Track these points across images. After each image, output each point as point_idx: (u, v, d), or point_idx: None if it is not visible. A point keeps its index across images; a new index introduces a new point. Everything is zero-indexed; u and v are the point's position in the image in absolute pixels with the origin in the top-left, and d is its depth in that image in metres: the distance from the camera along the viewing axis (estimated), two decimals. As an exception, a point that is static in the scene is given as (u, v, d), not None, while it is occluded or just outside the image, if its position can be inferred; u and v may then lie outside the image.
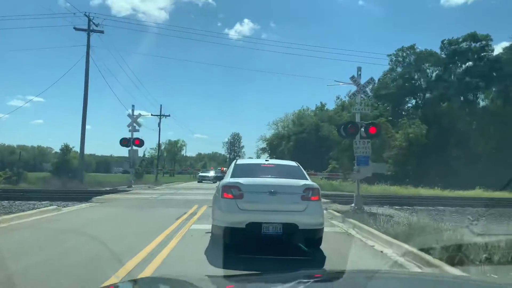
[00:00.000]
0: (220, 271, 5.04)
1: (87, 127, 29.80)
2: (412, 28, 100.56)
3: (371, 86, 15.04)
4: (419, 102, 49.19)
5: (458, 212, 13.66)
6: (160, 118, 48.61)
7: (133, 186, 25.05)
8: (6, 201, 13.14)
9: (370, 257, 6.31)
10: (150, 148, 69.61)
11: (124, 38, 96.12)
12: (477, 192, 26.06)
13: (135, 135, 24.73)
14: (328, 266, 5.72)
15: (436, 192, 26.69)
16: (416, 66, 47.90)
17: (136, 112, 25.49)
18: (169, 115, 49.84)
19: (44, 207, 11.90)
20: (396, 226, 7.80)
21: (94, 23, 28.07)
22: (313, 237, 6.33)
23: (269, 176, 6.96)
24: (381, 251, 6.66)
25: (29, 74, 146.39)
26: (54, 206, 12.08)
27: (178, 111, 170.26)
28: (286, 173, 7.18)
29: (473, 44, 44.12)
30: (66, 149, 39.31)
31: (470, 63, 44.32)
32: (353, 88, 14.23)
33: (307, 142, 54.67)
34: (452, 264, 5.26)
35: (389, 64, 50.07)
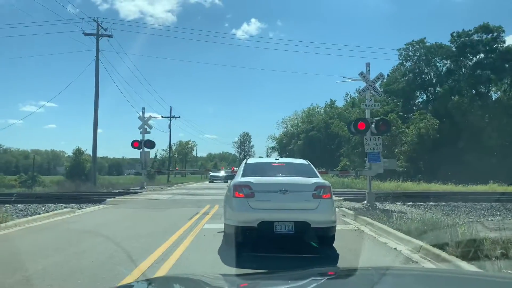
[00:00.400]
0: (233, 270, 5.09)
1: (99, 130, 30.08)
2: (421, 22, 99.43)
3: (380, 82, 14.93)
4: (430, 96, 48.44)
5: (472, 207, 13.49)
6: (170, 120, 49.00)
7: (145, 187, 25.23)
8: (21, 205, 13.39)
9: (383, 254, 6.28)
10: (161, 150, 70.37)
11: (132, 41, 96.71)
12: (491, 187, 25.70)
13: (146, 137, 24.87)
14: (341, 263, 5.71)
15: (449, 187, 26.38)
16: (426, 60, 47.20)
17: (146, 114, 25.62)
18: (179, 117, 50.12)
19: (59, 209, 12.11)
20: (409, 223, 7.74)
21: (103, 28, 28.40)
22: (326, 235, 6.32)
23: (280, 174, 6.99)
24: (394, 248, 6.63)
25: (41, 80, 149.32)
26: (69, 209, 12.29)
27: (188, 112, 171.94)
28: (297, 171, 7.19)
29: (484, 36, 43.22)
30: (78, 152, 40.00)
31: (482, 55, 43.40)
32: (363, 84, 14.18)
33: (317, 139, 54.52)
34: (467, 260, 5.21)
35: (398, 58, 49.45)
